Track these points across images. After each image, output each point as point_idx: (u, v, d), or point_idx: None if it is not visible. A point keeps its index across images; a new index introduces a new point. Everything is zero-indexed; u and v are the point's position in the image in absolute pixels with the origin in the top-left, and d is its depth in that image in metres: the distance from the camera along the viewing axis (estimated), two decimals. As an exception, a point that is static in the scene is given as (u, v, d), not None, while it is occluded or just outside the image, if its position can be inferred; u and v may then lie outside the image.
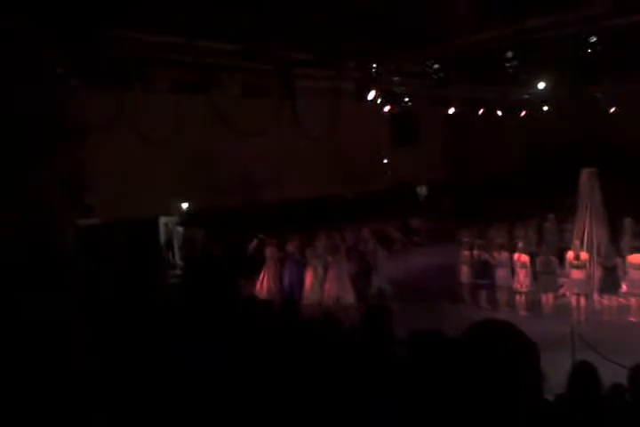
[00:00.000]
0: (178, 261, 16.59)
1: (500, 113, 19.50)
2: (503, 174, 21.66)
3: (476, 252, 12.98)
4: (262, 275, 14.45)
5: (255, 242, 14.97)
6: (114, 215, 13.56)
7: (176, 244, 16.79)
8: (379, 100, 15.35)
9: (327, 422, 2.91)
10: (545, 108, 19.26)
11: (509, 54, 12.80)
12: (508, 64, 13.02)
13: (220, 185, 15.63)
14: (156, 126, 11.53)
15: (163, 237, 16.83)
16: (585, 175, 12.71)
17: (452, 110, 18.19)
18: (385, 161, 21.29)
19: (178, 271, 15.75)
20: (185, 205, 16.10)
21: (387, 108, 16.52)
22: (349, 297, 13.63)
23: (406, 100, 16.29)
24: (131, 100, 10.59)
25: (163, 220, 16.76)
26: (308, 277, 13.99)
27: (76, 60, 9.35)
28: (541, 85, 15.39)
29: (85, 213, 12.89)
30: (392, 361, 3.76)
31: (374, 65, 12.70)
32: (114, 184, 13.52)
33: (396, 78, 14.46)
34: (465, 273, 13.15)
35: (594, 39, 11.10)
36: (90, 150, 12.41)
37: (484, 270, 12.72)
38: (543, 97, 17.72)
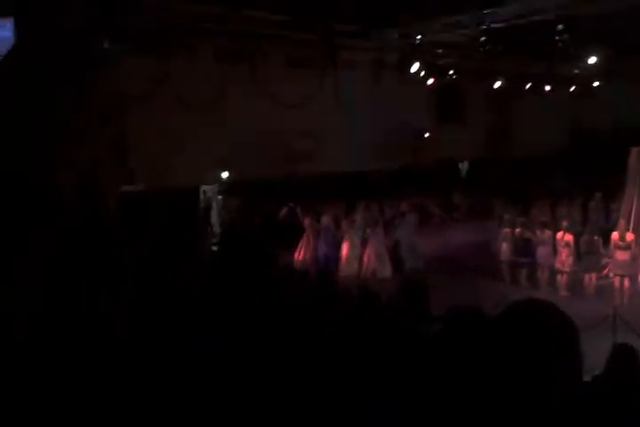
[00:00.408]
0: (217, 229, 16.79)
1: (547, 88, 18.97)
2: (549, 151, 21.16)
3: (518, 229, 12.80)
4: (300, 246, 14.55)
5: (285, 210, 15.05)
6: (156, 182, 13.76)
7: (215, 213, 16.98)
8: (422, 73, 15.09)
9: (364, 394, 2.93)
10: (595, 83, 18.67)
11: (560, 27, 12.39)
12: (558, 37, 12.62)
13: (260, 155, 15.66)
14: (200, 95, 11.57)
15: (203, 206, 17.03)
16: (634, 154, 12.34)
17: (497, 84, 17.77)
18: (427, 135, 20.98)
19: (216, 240, 15.95)
20: (225, 175, 16.20)
21: (430, 81, 16.23)
22: (386, 271, 13.66)
23: (450, 73, 15.98)
24: (175, 68, 10.63)
25: (203, 188, 16.93)
26: (345, 250, 14.03)
27: (122, 29, 9.42)
28: (592, 60, 14.90)
29: (129, 179, 13.12)
30: (428, 337, 3.75)
31: (418, 36, 12.45)
32: (157, 151, 13.68)
33: (440, 51, 14.17)
34: (505, 251, 12.99)
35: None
36: (134, 118, 12.59)
37: (525, 248, 12.56)
38: (593, 72, 17.16)
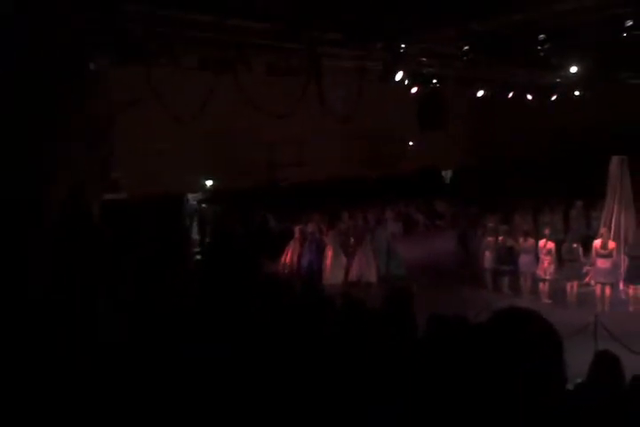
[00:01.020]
0: (200, 238, 16.74)
1: (529, 97, 19.16)
2: (530, 160, 21.36)
3: (500, 237, 12.87)
4: (284, 254, 14.54)
5: (269, 218, 15.06)
6: (139, 191, 13.70)
7: (199, 221, 16.93)
8: (406, 82, 15.18)
9: (347, 403, 2.92)
10: (576, 92, 18.88)
11: (542, 37, 12.53)
12: (540, 47, 12.75)
13: (244, 164, 15.67)
14: (183, 103, 11.56)
15: (186, 214, 16.98)
16: (615, 162, 12.48)
17: (480, 93, 17.92)
18: (410, 143, 21.11)
19: (200, 248, 15.89)
20: (209, 183, 16.18)
21: (414, 90, 16.33)
22: (372, 276, 13.71)
23: (434, 81, 16.08)
24: (158, 76, 10.61)
25: (187, 196, 16.89)
26: (329, 258, 14.03)
27: (105, 37, 9.38)
28: (574, 69, 15.08)
29: (113, 187, 13.05)
30: (412, 344, 3.76)
31: (402, 45, 12.52)
32: (140, 160, 13.63)
33: (424, 59, 14.25)
34: (488, 258, 13.06)
35: (630, 23, 10.80)
36: (117, 126, 12.53)
37: (507, 256, 12.63)
38: (575, 81, 17.36)
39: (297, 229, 14.58)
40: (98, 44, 9.18)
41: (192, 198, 17.03)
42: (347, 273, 13.86)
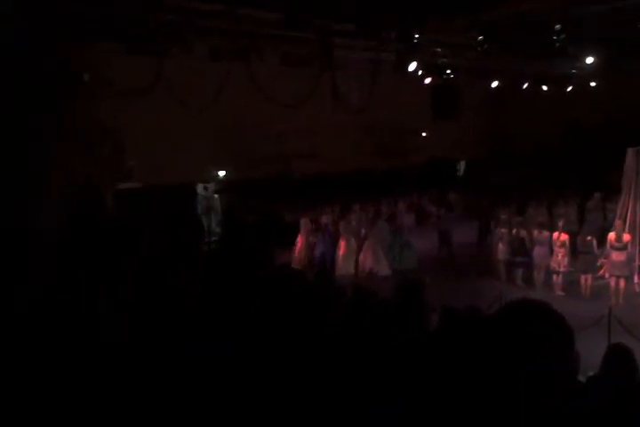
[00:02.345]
0: (213, 227, 16.79)
1: (544, 88, 18.97)
2: (546, 151, 21.18)
3: (514, 229, 12.80)
4: (296, 245, 14.54)
5: (282, 209, 15.07)
6: (153, 180, 13.75)
7: (212, 211, 16.97)
8: (419, 72, 15.07)
9: (361, 394, 2.92)
10: (592, 83, 18.67)
11: (558, 27, 12.38)
12: (555, 37, 12.61)
13: (256, 155, 15.67)
14: (195, 93, 11.56)
15: (199, 204, 17.03)
16: (630, 154, 12.34)
17: (494, 84, 17.76)
18: (423, 134, 20.99)
19: (212, 238, 15.95)
20: (222, 173, 16.19)
21: (427, 81, 16.22)
22: (384, 269, 13.66)
23: (448, 72, 15.96)
24: (170, 66, 10.61)
25: (200, 186, 16.93)
26: (341, 250, 14.02)
27: (118, 26, 9.38)
28: (589, 60, 14.90)
29: (127, 176, 13.12)
30: (423, 336, 3.74)
31: (416, 36, 12.42)
32: (153, 150, 13.67)
33: (438, 50, 14.13)
34: (501, 250, 12.99)
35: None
36: (131, 116, 12.57)
37: (521, 248, 12.56)
38: (590, 72, 17.16)
39: (302, 222, 14.52)
40: (110, 34, 9.18)
41: (204, 188, 17.07)
42: (356, 265, 13.83)
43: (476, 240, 15.87)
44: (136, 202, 12.82)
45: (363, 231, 14.12)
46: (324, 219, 14.61)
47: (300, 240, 14.51)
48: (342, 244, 14.05)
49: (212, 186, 16.98)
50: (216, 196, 17.07)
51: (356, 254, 13.93)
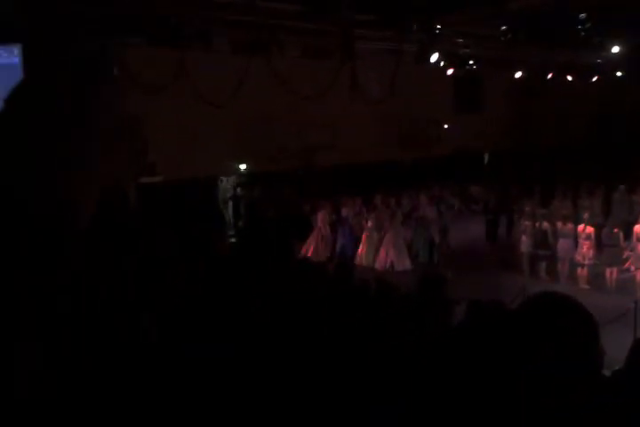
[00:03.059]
0: (234, 221, 16.85)
1: (569, 78, 18.68)
2: (570, 143, 20.88)
3: (538, 222, 12.66)
4: (316, 238, 14.53)
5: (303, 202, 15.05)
6: (175, 174, 13.82)
7: (233, 204, 17.03)
8: (442, 63, 14.94)
9: (385, 389, 2.90)
10: (618, 73, 18.34)
11: (583, 16, 12.18)
12: (580, 26, 12.41)
13: (277, 147, 15.66)
14: (216, 87, 11.56)
15: (220, 197, 17.10)
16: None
17: (518, 74, 17.53)
18: (445, 126, 20.81)
19: (234, 231, 16.01)
20: (243, 166, 16.23)
21: (450, 72, 16.07)
22: (405, 263, 13.61)
23: (470, 62, 15.80)
24: (191, 60, 10.63)
25: (221, 180, 16.99)
26: (362, 243, 13.98)
27: (138, 20, 9.42)
28: (615, 50, 14.64)
29: (149, 171, 13.20)
30: (446, 329, 3.71)
31: (438, 26, 12.30)
32: (175, 144, 13.73)
33: (460, 40, 13.98)
34: (525, 243, 12.85)
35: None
36: (153, 110, 12.62)
37: (545, 241, 12.42)
38: (616, 62, 16.85)
39: (322, 215, 14.46)
40: (130, 28, 9.22)
41: (226, 182, 17.13)
42: (378, 258, 13.79)
43: (498, 233, 15.72)
44: (158, 196, 12.90)
45: (384, 224, 14.05)
46: (345, 212, 14.57)
47: (319, 233, 14.50)
48: (363, 237, 14.02)
49: (232, 179, 17.04)
50: (237, 189, 17.13)
51: (377, 248, 13.88)
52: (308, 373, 3.28)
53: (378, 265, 13.62)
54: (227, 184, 17.11)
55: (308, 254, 13.77)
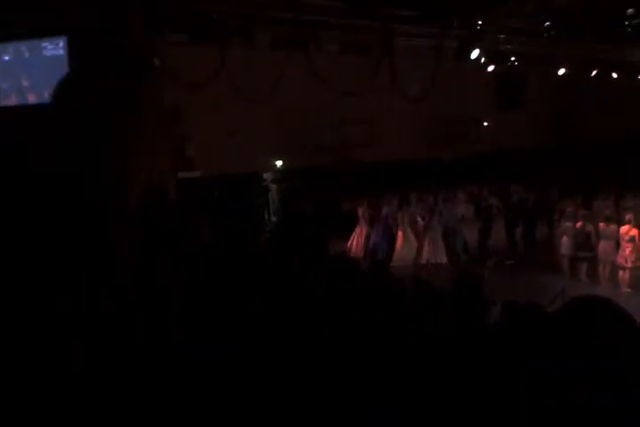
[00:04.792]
0: (271, 216, 16.95)
1: (614, 75, 18.23)
2: (614, 141, 20.38)
3: (579, 223, 12.40)
4: (353, 234, 14.53)
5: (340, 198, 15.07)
6: (213, 169, 13.96)
7: (270, 199, 17.13)
8: (482, 60, 14.72)
9: (423, 388, 2.87)
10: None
11: (630, 11, 11.87)
12: (627, 22, 12.10)
13: (315, 143, 15.68)
14: (255, 83, 11.62)
15: (257, 193, 17.21)
16: None
17: (561, 71, 17.18)
18: (485, 124, 20.55)
19: (270, 227, 16.10)
20: (280, 162, 16.30)
21: (491, 68, 15.84)
22: (441, 256, 13.62)
23: (512, 59, 15.54)
24: (231, 56, 10.70)
25: (258, 175, 17.10)
26: (399, 239, 13.94)
27: (180, 17, 9.52)
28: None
29: (187, 166, 13.36)
30: (481, 330, 3.65)
31: (479, 22, 12.13)
32: (213, 140, 13.87)
33: (502, 36, 13.75)
34: (565, 244, 12.61)
35: None
36: (191, 107, 12.77)
37: (586, 243, 12.15)
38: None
39: (359, 211, 14.55)
40: (172, 25, 9.33)
41: (263, 178, 17.24)
42: (417, 255, 13.76)
43: (537, 233, 15.46)
44: (196, 191, 13.05)
45: (421, 221, 14.01)
46: (383, 208, 14.54)
47: (356, 230, 14.50)
48: (400, 234, 13.98)
49: (270, 175, 17.13)
50: (274, 185, 17.22)
51: (414, 245, 13.84)
52: (333, 372, 3.26)
53: (415, 262, 13.60)
54: (264, 180, 17.22)
55: (350, 251, 13.82)
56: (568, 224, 12.68)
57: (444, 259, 13.64)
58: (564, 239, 12.65)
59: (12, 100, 9.78)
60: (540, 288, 10.45)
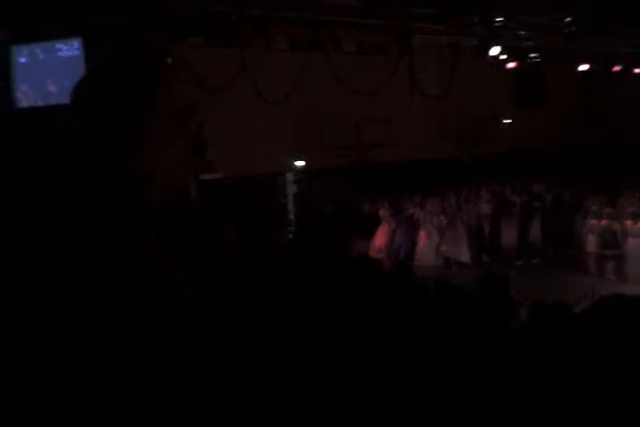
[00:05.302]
0: (293, 218, 16.94)
1: (637, 71, 17.98)
2: (636, 139, 20.06)
3: (604, 221, 12.23)
4: (375, 235, 14.47)
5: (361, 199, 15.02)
6: (234, 171, 14.00)
7: (291, 201, 17.13)
8: (502, 57, 14.60)
9: (444, 387, 2.84)
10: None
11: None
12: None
13: (335, 143, 15.65)
14: (274, 84, 11.64)
15: (278, 194, 17.21)
16: None
17: (582, 67, 16.97)
18: (505, 121, 20.35)
19: (293, 228, 16.09)
20: (301, 163, 16.29)
21: (511, 65, 15.71)
22: (465, 256, 13.50)
23: (532, 56, 15.39)
24: (250, 57, 10.73)
25: (279, 177, 17.11)
26: (422, 239, 13.85)
27: (197, 19, 9.57)
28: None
29: (208, 168, 13.42)
30: (507, 331, 3.60)
31: (498, 19, 12.02)
32: (233, 141, 13.90)
33: (522, 33, 13.62)
34: (591, 242, 12.43)
35: None
36: (212, 107, 12.81)
37: (612, 240, 11.98)
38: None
39: (381, 211, 14.46)
40: (190, 27, 9.38)
41: (284, 178, 17.24)
42: (436, 253, 13.67)
43: (562, 232, 15.27)
44: (217, 193, 13.09)
45: (443, 220, 13.91)
46: (405, 208, 14.46)
47: (378, 230, 14.43)
48: (422, 234, 13.89)
49: (291, 175, 17.13)
50: (295, 185, 17.21)
51: (437, 244, 13.75)
52: (353, 374, 3.24)
53: (439, 262, 13.50)
54: (285, 181, 17.22)
55: (372, 251, 13.75)
56: (593, 222, 12.52)
57: (465, 258, 13.50)
58: (590, 237, 12.48)
59: (30, 102, 9.88)
60: (566, 287, 10.32)
